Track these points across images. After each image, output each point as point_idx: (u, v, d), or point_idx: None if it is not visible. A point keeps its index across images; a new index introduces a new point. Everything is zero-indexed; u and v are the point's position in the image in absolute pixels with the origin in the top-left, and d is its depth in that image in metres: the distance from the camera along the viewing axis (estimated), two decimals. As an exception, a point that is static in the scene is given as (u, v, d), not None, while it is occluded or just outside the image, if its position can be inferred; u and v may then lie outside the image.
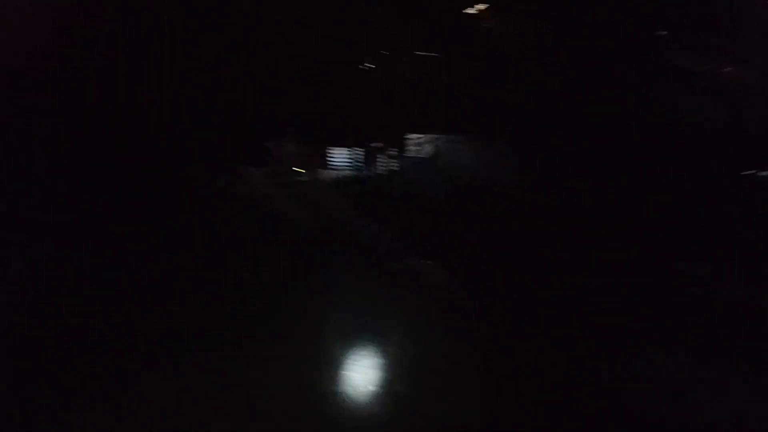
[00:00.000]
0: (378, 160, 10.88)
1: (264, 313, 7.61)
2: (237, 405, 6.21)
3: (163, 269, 8.16)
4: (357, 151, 10.98)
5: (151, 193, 9.34)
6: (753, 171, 9.45)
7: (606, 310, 7.32)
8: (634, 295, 7.53)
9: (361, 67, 10.81)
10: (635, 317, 7.29)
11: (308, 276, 8.22)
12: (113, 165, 9.00)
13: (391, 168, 10.71)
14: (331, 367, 6.81)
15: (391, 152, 10.98)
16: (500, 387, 6.44)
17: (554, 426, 6.04)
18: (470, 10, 10.69)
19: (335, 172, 11.03)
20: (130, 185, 8.92)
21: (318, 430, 6.06)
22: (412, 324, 7.26)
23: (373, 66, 10.86)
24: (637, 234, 8.20)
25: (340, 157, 11.20)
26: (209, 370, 6.70)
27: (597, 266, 7.89)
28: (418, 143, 11.06)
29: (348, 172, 10.93)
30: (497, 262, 7.93)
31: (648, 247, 8.01)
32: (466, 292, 7.63)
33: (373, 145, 10.99)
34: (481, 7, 10.64)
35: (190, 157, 10.16)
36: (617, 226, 8.22)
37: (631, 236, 8.16)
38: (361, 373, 6.64)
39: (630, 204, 8.55)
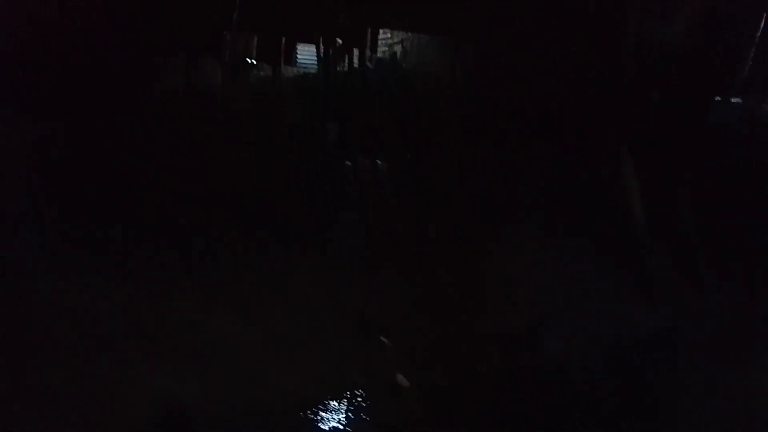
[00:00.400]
0: (344, 58, 10.45)
1: (215, 208, 7.39)
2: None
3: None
4: (322, 48, 10.52)
5: (102, 84, 8.95)
6: (723, 96, 9.20)
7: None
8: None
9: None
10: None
11: (264, 171, 7.96)
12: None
13: (357, 66, 10.30)
14: (278, 250, 6.70)
15: (357, 51, 10.54)
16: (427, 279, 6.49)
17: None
18: None
19: (298, 68, 10.61)
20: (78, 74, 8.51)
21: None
22: (358, 216, 7.19)
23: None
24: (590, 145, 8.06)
25: (304, 53, 10.75)
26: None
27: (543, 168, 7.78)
28: (387, 42, 10.62)
29: (312, 68, 10.51)
30: (450, 165, 7.74)
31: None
32: (413, 190, 7.48)
33: (339, 42, 10.52)
34: None
35: (141, 46, 9.70)
36: (570, 136, 8.05)
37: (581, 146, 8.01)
38: (304, 260, 6.54)
39: (588, 116, 8.35)
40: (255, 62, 9.57)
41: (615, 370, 5.88)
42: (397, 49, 10.40)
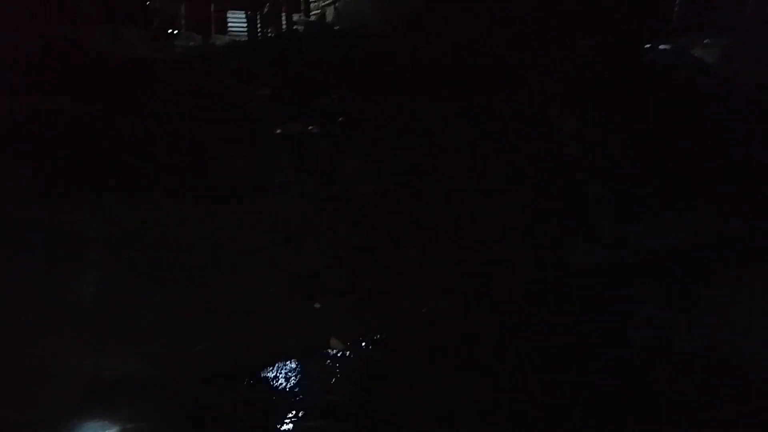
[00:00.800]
0: (274, 22, 10.21)
1: (146, 177, 7.17)
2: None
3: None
4: (254, 13, 10.27)
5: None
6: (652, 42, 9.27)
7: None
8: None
9: None
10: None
11: (195, 138, 7.72)
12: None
13: (290, 31, 10.08)
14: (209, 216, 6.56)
15: (290, 15, 10.31)
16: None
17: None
18: None
19: (230, 35, 10.33)
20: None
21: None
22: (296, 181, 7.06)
23: None
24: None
25: (235, 19, 10.47)
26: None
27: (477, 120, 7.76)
28: (319, 5, 10.40)
29: (243, 35, 10.25)
30: (385, 125, 7.63)
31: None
32: (353, 154, 7.36)
33: (267, 7, 10.28)
34: None
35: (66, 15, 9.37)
36: (504, 84, 8.04)
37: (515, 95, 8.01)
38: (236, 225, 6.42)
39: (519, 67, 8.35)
40: (178, 31, 9.28)
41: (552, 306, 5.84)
42: (329, 10, 10.18)
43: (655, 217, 6.74)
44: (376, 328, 5.42)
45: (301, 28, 9.70)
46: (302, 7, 10.24)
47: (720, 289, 5.85)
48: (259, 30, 10.05)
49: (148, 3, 9.88)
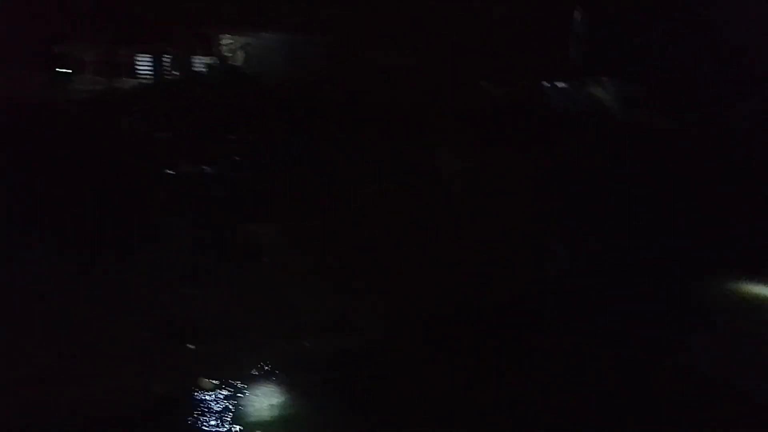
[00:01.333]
0: (184, 66, 10.22)
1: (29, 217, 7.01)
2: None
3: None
4: (162, 57, 10.26)
5: None
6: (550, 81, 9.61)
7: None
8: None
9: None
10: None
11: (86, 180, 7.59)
12: None
13: (198, 74, 10.09)
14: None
15: (198, 58, 10.33)
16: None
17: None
18: None
19: (137, 77, 10.28)
20: None
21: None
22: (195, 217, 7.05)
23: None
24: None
25: (142, 62, 10.43)
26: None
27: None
28: (230, 47, 10.45)
29: (150, 78, 10.21)
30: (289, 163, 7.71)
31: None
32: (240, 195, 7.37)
33: (180, 50, 10.28)
34: None
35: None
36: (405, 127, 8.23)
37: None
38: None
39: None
40: (72, 72, 9.21)
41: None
42: (240, 53, 10.25)
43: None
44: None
45: (207, 71, 9.74)
46: (213, 51, 10.27)
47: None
48: (166, 73, 10.04)
49: (52, 46, 9.78)
